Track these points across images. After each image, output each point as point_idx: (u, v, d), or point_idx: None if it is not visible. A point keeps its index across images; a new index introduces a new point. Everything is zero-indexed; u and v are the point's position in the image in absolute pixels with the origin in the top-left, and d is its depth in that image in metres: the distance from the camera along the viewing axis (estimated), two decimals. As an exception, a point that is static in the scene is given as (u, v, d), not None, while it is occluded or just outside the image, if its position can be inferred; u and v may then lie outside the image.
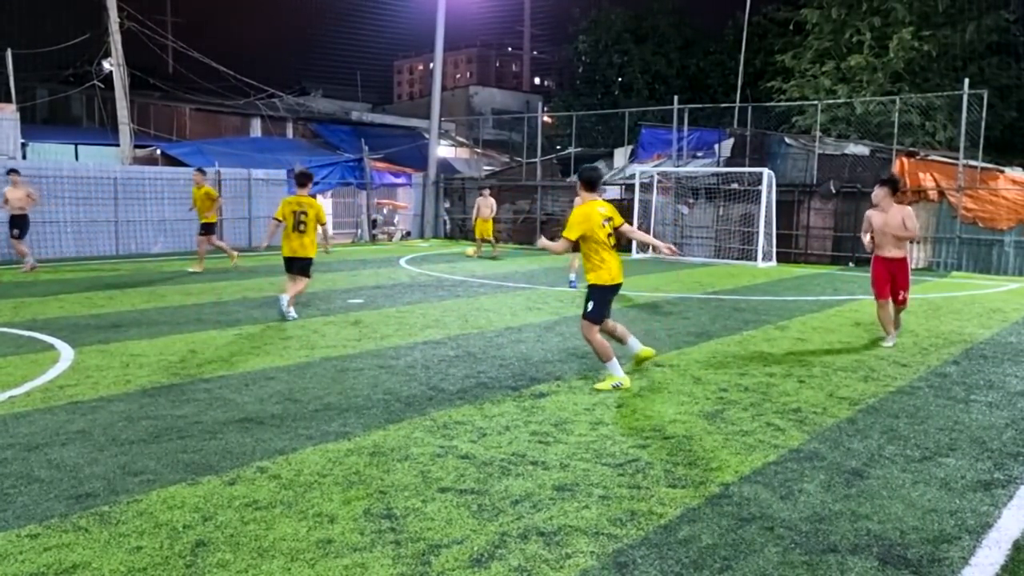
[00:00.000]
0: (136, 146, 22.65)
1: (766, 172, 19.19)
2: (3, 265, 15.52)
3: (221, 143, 25.17)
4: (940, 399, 6.47)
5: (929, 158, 19.23)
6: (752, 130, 23.07)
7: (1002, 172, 18.29)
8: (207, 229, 15.65)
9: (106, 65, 23.17)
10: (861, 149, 20.53)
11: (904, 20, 26.71)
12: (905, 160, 18.80)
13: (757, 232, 19.22)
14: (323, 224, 10.16)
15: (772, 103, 27.44)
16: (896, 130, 20.04)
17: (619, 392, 6.52)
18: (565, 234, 6.63)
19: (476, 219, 20.35)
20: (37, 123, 32.08)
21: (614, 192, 22.97)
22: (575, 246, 6.74)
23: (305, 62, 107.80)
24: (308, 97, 44.49)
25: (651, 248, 10.03)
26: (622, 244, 7.57)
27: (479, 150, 33.63)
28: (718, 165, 22.02)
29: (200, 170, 16.38)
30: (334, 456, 4.87)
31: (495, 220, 21.01)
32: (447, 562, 3.51)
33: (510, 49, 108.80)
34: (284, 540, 3.70)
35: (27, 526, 3.81)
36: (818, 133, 21.53)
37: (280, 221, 9.96)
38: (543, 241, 7.09)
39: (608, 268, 6.61)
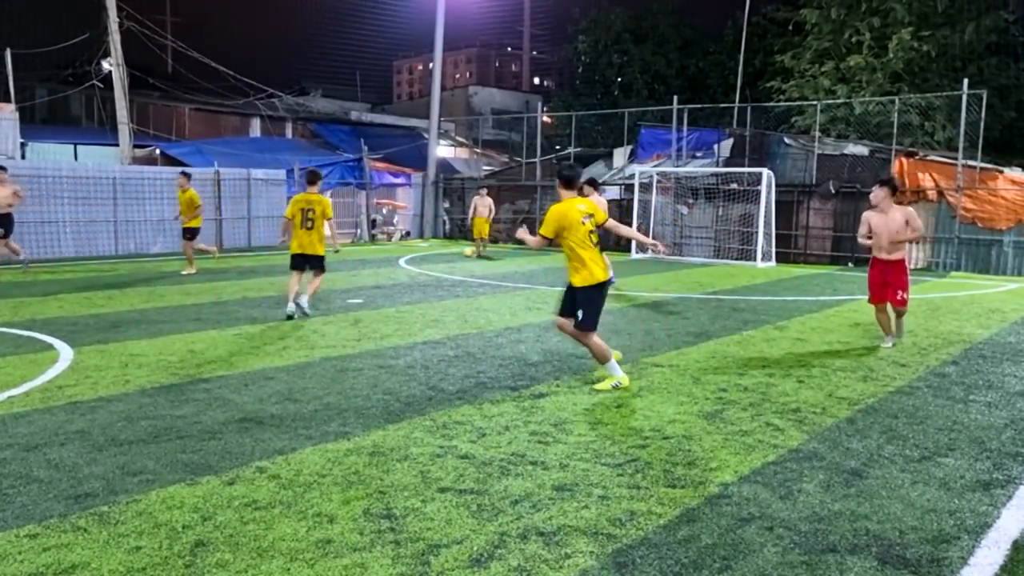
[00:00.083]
0: (135, 146, 22.64)
1: (765, 172, 19.20)
2: (2, 265, 15.48)
3: (220, 143, 25.17)
4: (939, 399, 6.47)
5: (928, 158, 19.23)
6: (751, 130, 23.08)
7: (1001, 172, 18.30)
8: (190, 234, 15.41)
9: (105, 65, 23.12)
10: (860, 149, 20.54)
11: (903, 20, 26.70)
12: (904, 160, 18.81)
13: (756, 232, 19.23)
14: (329, 219, 10.28)
15: (771, 103, 27.44)
16: (895, 130, 20.05)
17: (618, 392, 6.52)
18: (541, 231, 6.63)
19: (473, 218, 20.46)
20: (36, 123, 32.07)
21: (614, 192, 22.95)
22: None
23: (305, 62, 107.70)
24: (307, 97, 44.45)
25: (646, 247, 10.02)
26: (614, 243, 7.55)
27: (479, 150, 33.64)
28: (717, 165, 22.03)
29: (185, 174, 15.97)
30: (333, 456, 4.87)
31: (493, 220, 21.09)
32: (447, 562, 3.51)
33: (510, 49, 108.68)
34: (283, 540, 3.70)
35: (26, 526, 3.81)
36: (817, 133, 21.54)
37: (290, 219, 10.18)
38: (522, 232, 7.12)
39: (590, 268, 6.53)
